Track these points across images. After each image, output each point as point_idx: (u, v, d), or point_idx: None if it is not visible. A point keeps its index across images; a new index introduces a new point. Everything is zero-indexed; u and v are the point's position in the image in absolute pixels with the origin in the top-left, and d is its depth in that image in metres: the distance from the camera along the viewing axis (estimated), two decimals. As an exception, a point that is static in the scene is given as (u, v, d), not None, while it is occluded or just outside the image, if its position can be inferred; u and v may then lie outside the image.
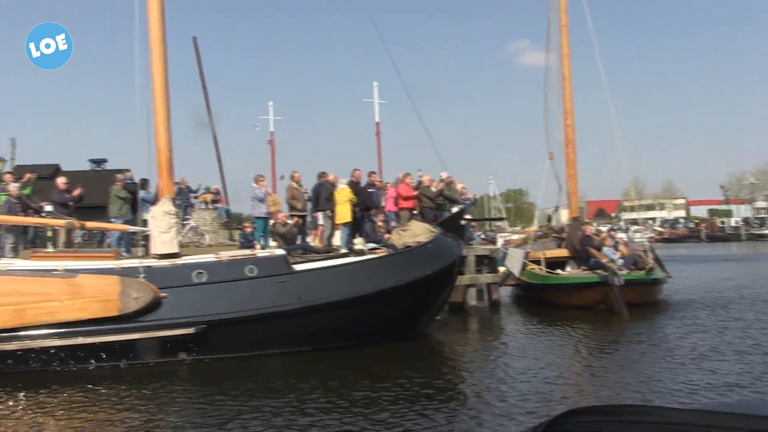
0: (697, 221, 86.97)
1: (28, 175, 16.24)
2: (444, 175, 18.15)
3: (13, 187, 13.73)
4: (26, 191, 14.79)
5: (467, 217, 18.92)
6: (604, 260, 15.66)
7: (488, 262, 17.63)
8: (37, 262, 10.32)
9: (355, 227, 16.25)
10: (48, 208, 14.33)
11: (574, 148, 19.36)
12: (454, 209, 17.71)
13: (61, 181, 14.80)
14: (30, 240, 15.55)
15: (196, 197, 21.29)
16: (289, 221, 16.16)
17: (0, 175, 16.32)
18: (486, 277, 17.15)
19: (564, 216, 20.58)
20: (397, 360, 10.22)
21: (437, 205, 17.72)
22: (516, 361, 10.13)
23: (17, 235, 13.67)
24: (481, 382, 9.00)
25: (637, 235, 41.51)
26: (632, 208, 78.12)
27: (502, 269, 18.87)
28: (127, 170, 16.03)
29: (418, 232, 12.52)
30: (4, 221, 12.94)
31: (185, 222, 17.67)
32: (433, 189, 17.69)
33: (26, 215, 13.16)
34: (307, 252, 14.28)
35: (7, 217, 12.62)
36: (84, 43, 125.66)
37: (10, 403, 8.01)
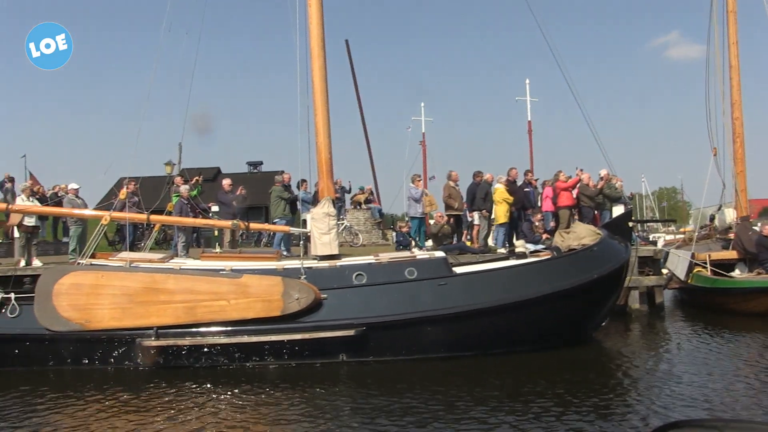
0: None
1: (195, 178, 17.11)
2: (603, 172, 17.33)
3: (184, 189, 14.47)
4: (194, 193, 15.55)
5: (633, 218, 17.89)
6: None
7: (651, 263, 16.57)
8: (206, 261, 10.73)
9: (511, 227, 15.75)
10: (214, 208, 15.03)
11: (743, 143, 17.69)
12: (616, 209, 16.85)
13: (226, 182, 15.51)
14: (196, 239, 16.40)
15: (352, 198, 21.69)
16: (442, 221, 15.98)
17: (171, 179, 17.31)
18: (650, 280, 16.14)
19: (729, 215, 18.84)
20: (557, 366, 9.72)
21: (597, 204, 16.96)
22: (677, 370, 9.40)
23: (188, 234, 14.43)
24: (636, 390, 8.50)
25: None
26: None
27: (664, 271, 17.67)
28: (282, 171, 16.54)
29: (582, 235, 11.84)
30: (177, 222, 13.68)
31: (339, 222, 17.95)
32: (592, 187, 16.93)
33: (195, 216, 13.82)
34: (464, 252, 13.93)
35: (179, 218, 13.30)
36: (242, 45, 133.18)
37: (181, 397, 8.30)
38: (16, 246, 14.61)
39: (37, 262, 13.83)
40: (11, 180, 20.74)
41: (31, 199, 14.73)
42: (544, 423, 6.93)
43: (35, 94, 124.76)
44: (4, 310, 9.80)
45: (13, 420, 7.41)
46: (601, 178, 17.19)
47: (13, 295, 9.91)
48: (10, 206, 13.19)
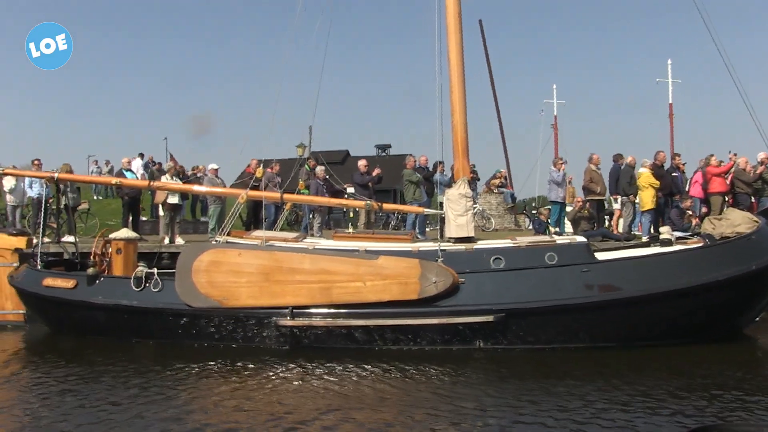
0: None
1: (310, 159, 17.28)
2: (762, 156, 15.78)
3: (319, 170, 14.55)
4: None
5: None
6: None
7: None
8: (339, 242, 10.59)
9: (658, 214, 14.70)
10: (350, 189, 15.01)
11: None
12: (777, 196, 15.38)
13: (361, 163, 15.53)
14: (327, 221, 16.53)
15: (489, 183, 21.22)
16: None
17: (303, 160, 17.55)
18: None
19: None
20: (701, 362, 8.95)
21: (755, 191, 15.53)
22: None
23: (323, 215, 14.52)
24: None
25: None
26: None
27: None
28: (410, 154, 16.30)
29: (737, 222, 10.74)
30: (310, 201, 13.74)
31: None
32: (750, 173, 15.53)
33: (331, 197, 13.85)
34: (607, 239, 13.10)
35: (315, 197, 13.35)
36: (368, 27, 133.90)
37: (315, 378, 8.22)
38: (161, 224, 15.31)
39: (179, 240, 14.42)
40: (154, 161, 22.00)
41: (174, 178, 15.35)
42: (680, 418, 6.46)
43: (174, 85, 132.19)
44: (148, 284, 10.13)
45: (153, 389, 7.61)
46: (761, 163, 15.71)
47: (156, 270, 10.22)
48: (152, 183, 13.76)
